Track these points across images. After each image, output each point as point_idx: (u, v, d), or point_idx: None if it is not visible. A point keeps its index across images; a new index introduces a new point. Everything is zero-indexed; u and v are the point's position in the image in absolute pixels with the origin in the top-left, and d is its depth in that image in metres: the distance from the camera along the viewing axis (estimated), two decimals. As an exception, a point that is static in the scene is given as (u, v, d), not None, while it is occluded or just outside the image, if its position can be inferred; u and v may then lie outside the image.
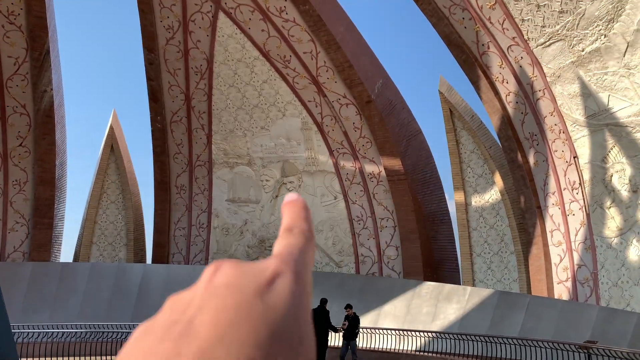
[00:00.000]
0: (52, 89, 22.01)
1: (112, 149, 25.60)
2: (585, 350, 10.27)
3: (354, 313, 13.48)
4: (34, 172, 22.55)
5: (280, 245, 0.47)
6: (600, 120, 14.42)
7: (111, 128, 25.59)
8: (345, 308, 13.58)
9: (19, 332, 16.10)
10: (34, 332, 16.09)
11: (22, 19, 20.11)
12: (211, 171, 24.45)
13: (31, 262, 21.55)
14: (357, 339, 13.63)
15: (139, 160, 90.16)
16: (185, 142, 24.36)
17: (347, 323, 13.30)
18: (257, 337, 0.36)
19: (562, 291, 16.72)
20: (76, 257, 25.96)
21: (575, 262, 16.17)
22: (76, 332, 16.32)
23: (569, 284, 16.50)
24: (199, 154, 24.41)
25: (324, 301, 12.80)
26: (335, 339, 15.04)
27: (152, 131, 23.80)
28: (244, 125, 23.41)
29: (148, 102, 23.26)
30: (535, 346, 12.88)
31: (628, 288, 14.21)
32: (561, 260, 16.87)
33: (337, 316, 13.85)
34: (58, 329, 16.62)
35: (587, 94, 14.55)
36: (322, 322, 13.02)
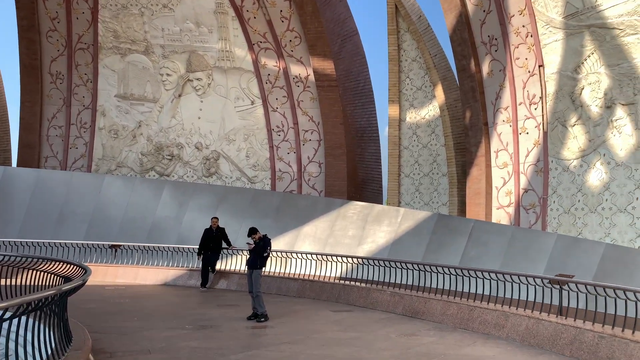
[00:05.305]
0: None
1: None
2: (558, 286, 8.48)
3: (264, 235, 9.77)
4: None
5: None
6: (582, 20, 12.21)
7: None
8: (249, 235, 9.69)
9: None
10: None
11: None
12: (97, 57, 19.57)
13: None
14: (263, 269, 9.78)
15: (1, 36, 75.59)
16: (62, 17, 19.04)
17: (252, 244, 9.60)
18: None
19: (501, 217, 15.20)
20: None
21: (522, 185, 14.56)
22: None
23: (510, 209, 14.96)
24: (80, 33, 19.29)
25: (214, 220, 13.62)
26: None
27: (15, -4, 18.16)
28: (141, 1, 18.57)
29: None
30: (479, 277, 10.87)
31: (582, 216, 12.82)
32: (505, 183, 15.22)
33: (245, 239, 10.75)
34: None
35: (571, -13, 12.15)
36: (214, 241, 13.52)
